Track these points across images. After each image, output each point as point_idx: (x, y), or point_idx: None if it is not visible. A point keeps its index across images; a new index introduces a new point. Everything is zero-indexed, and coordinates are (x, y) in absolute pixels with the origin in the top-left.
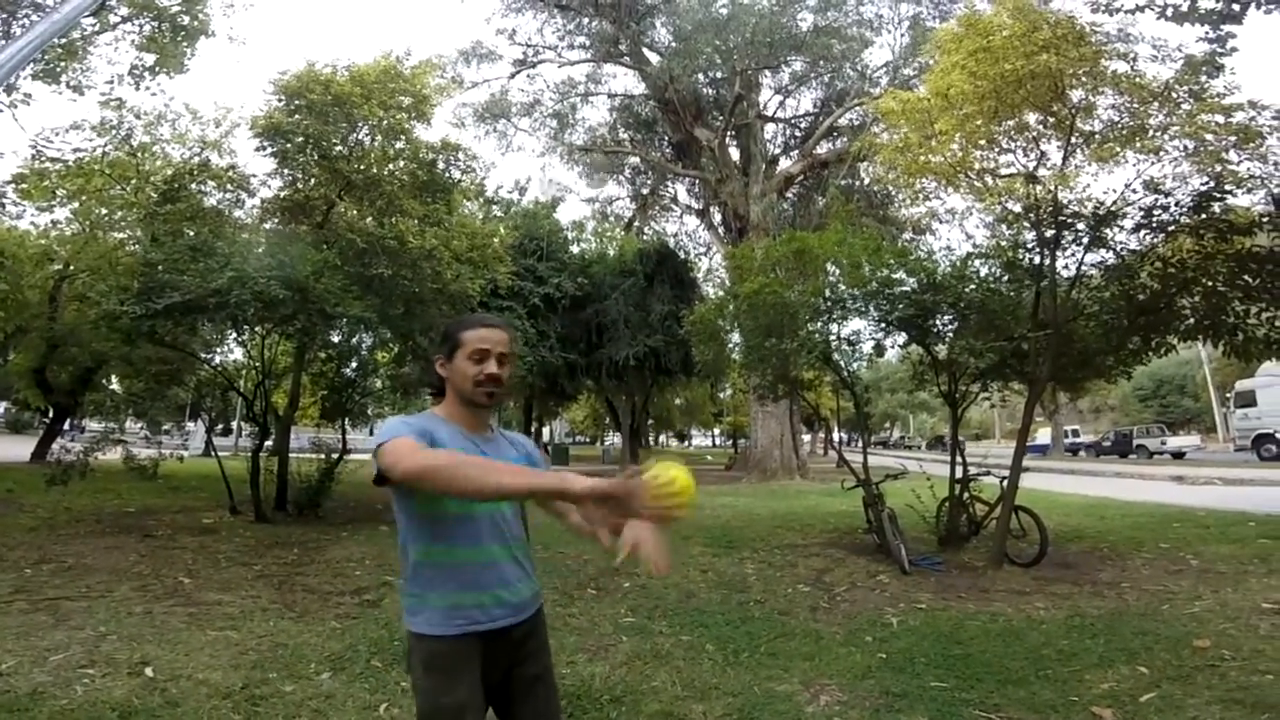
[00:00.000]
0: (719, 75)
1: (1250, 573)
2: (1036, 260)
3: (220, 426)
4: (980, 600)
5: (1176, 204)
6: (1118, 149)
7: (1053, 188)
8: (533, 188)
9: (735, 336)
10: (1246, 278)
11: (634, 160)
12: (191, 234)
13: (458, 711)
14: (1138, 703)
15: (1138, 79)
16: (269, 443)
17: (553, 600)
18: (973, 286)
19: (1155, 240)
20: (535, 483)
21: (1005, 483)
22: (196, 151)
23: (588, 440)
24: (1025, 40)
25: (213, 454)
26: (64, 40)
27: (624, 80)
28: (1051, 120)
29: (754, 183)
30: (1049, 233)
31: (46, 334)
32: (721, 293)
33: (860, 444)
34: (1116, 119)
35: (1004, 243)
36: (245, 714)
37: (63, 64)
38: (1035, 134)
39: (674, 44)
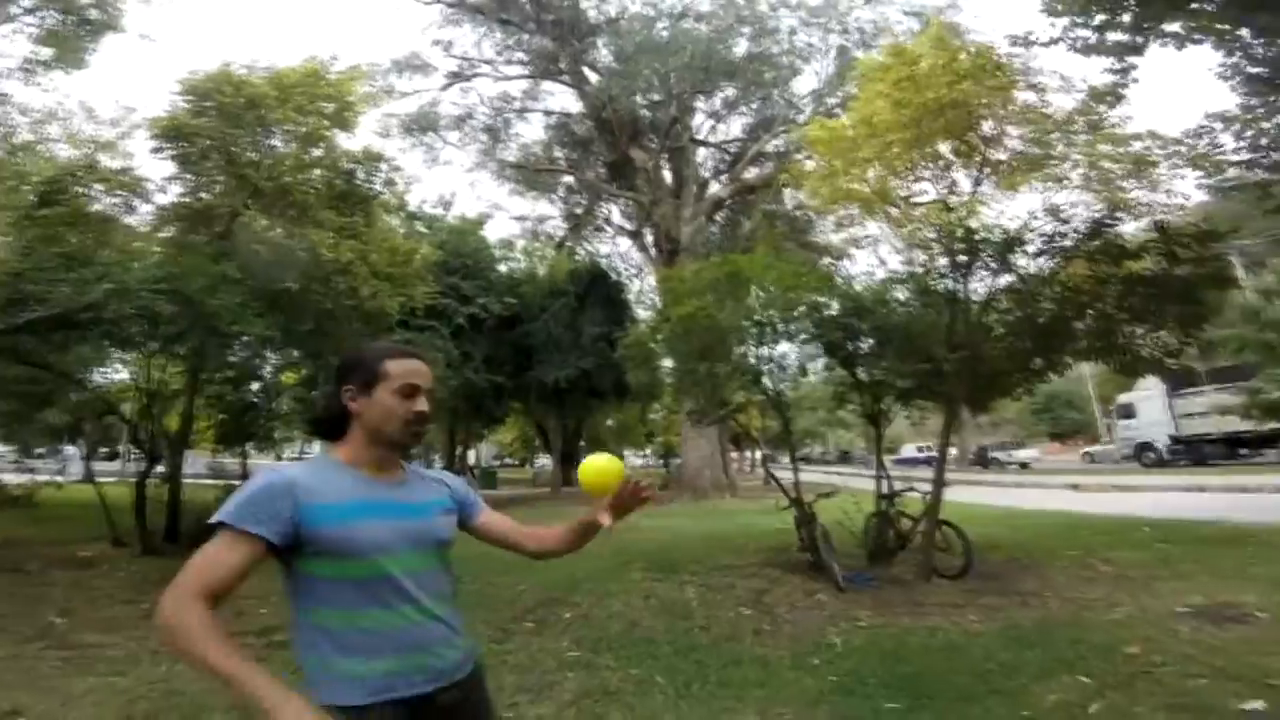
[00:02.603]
0: (656, 98)
1: (1158, 577)
2: (950, 285)
3: (105, 450)
4: (915, 615)
5: (1074, 230)
6: (1022, 178)
7: (963, 215)
8: (459, 203)
9: (667, 361)
10: (1133, 300)
11: (568, 179)
12: (74, 241)
13: None
14: (1088, 714)
15: (1042, 109)
16: (160, 469)
17: (487, 636)
18: (889, 310)
19: (1055, 265)
20: (246, 691)
21: (928, 497)
22: (88, 152)
23: (517, 463)
24: (946, 70)
25: (92, 480)
26: None
27: (561, 98)
28: (963, 149)
29: (685, 205)
30: (961, 258)
31: None
32: (654, 315)
33: (788, 461)
34: (1022, 149)
35: (918, 269)
36: None
37: None
38: (946, 163)
39: (614, 64)
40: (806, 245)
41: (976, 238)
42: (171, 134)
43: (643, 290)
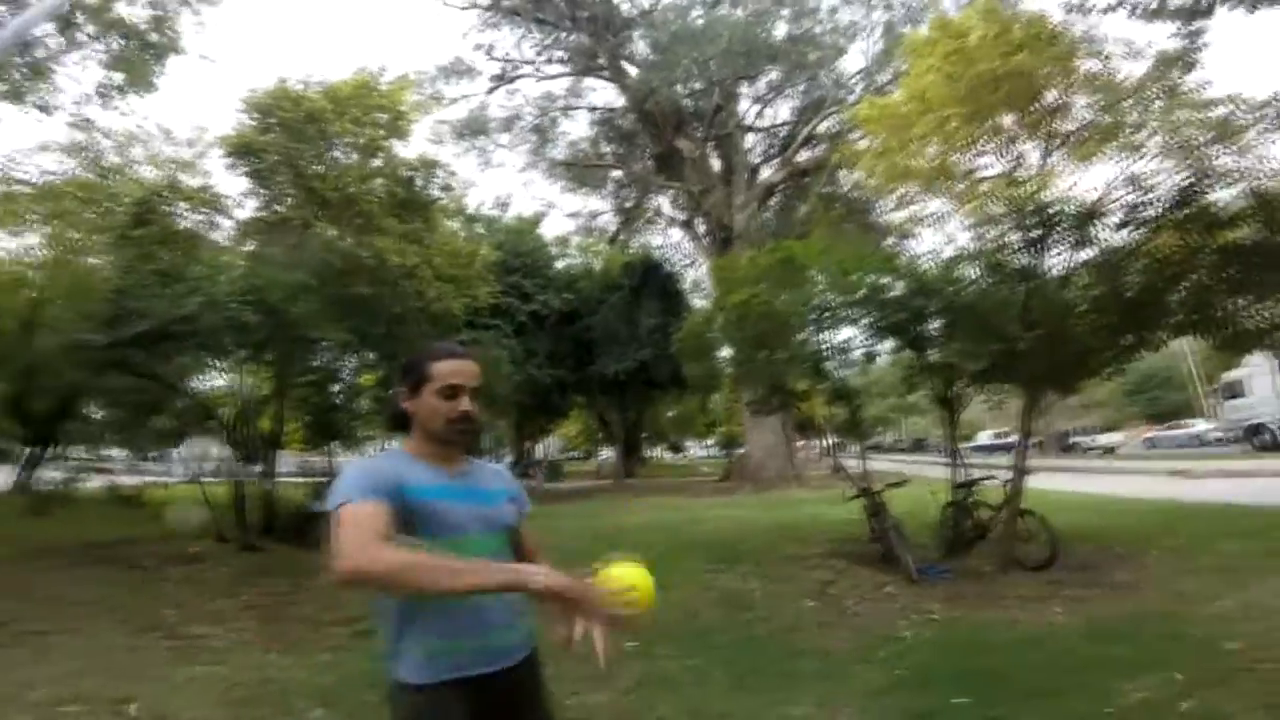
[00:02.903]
0: (697, 86)
1: (1268, 569)
2: (1023, 261)
3: (209, 452)
4: (994, 607)
5: (1159, 200)
6: (1095, 148)
7: (1034, 189)
8: (515, 203)
9: (725, 350)
10: (1231, 271)
11: (616, 174)
12: (165, 258)
13: None
14: (1177, 712)
15: (1109, 77)
16: (256, 469)
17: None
18: (961, 289)
19: (1139, 236)
20: (496, 579)
21: (1009, 486)
22: (170, 172)
23: (581, 455)
24: (999, 41)
25: (198, 481)
26: (29, 59)
27: (604, 93)
28: (1028, 121)
29: (736, 193)
30: (1034, 234)
31: (23, 362)
32: (708, 304)
33: (857, 450)
34: (1092, 118)
35: (987, 245)
36: None
37: (28, 84)
38: (1011, 135)
39: (652, 56)
40: (867, 226)
41: (1050, 211)
42: (242, 150)
43: (698, 281)
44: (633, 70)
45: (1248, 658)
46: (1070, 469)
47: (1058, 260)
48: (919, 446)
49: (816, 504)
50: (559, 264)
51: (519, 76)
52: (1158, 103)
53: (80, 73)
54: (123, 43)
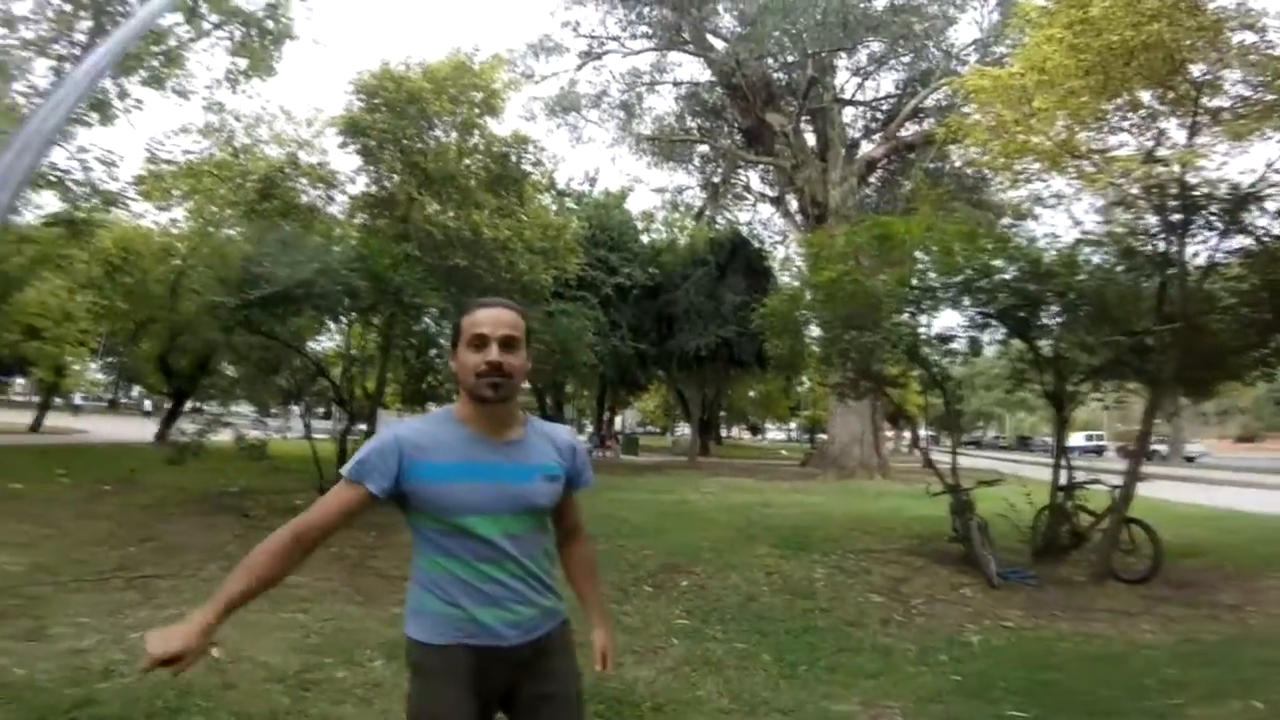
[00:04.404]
0: (790, 59)
1: None
2: (1160, 247)
3: (322, 410)
4: (1077, 620)
5: None
6: (1254, 125)
7: (1178, 168)
8: (603, 178)
9: (814, 329)
10: None
11: (703, 148)
12: (288, 228)
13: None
14: None
15: (1267, 51)
16: (361, 426)
17: (608, 597)
18: (1084, 275)
19: None
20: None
21: (1117, 492)
22: (291, 151)
23: (658, 430)
24: (1130, 10)
25: (309, 437)
26: (163, 48)
27: (689, 68)
28: (1171, 96)
29: (833, 168)
30: (1175, 217)
31: (168, 324)
32: (797, 283)
33: (950, 444)
34: (1249, 94)
35: (1119, 228)
36: (294, 698)
37: (165, 71)
38: (1150, 111)
39: (738, 29)
40: (980, 205)
41: (1196, 193)
42: (351, 130)
43: (787, 258)
44: (719, 44)
45: None
46: (1190, 479)
47: (1202, 247)
48: (1024, 444)
49: (900, 497)
50: (644, 238)
51: (605, 53)
52: None
53: (210, 60)
54: (243, 30)
